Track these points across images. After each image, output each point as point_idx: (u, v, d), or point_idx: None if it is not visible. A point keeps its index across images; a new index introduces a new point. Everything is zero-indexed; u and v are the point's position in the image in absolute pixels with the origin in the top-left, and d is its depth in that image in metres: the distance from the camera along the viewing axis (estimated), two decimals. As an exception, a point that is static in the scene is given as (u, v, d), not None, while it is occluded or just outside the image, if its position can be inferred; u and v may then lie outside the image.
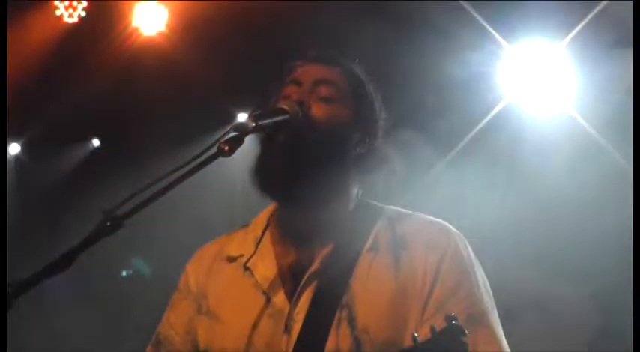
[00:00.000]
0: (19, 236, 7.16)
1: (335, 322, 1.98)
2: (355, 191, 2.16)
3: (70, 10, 6.61)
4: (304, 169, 2.04)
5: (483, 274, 2.09)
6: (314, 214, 2.09)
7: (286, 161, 2.03)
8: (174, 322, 2.25)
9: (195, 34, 6.42)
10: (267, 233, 2.18)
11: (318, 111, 2.08)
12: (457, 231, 2.11)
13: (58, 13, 6.59)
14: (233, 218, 6.86)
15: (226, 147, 1.87)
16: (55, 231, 6.80)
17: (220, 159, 1.89)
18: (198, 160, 1.88)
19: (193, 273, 2.25)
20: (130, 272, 7.94)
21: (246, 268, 2.13)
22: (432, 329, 1.67)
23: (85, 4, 6.56)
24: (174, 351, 2.22)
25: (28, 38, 6.58)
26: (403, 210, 2.17)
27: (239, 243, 2.20)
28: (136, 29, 6.60)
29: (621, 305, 5.39)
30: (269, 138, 2.07)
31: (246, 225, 2.25)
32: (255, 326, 2.05)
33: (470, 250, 2.10)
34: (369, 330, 1.96)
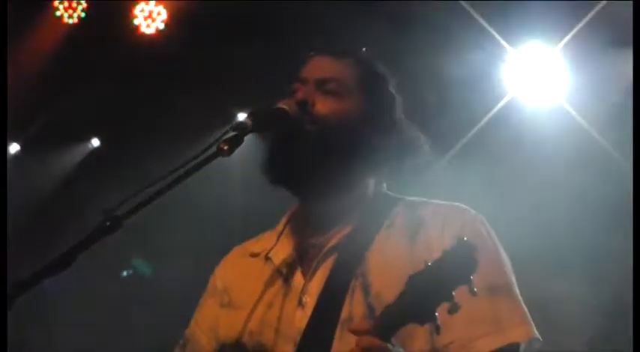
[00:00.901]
0: (19, 236, 7.16)
1: (350, 291, 1.99)
2: (373, 182, 2.16)
3: (70, 11, 6.62)
4: (309, 163, 2.04)
5: (504, 254, 2.07)
6: (329, 204, 2.10)
7: (290, 157, 2.04)
8: (199, 320, 2.26)
9: (195, 34, 6.43)
10: (288, 227, 2.21)
11: (322, 106, 2.08)
12: (477, 213, 2.11)
13: (57, 14, 6.59)
14: (232, 218, 6.86)
15: (226, 147, 1.87)
16: (55, 231, 6.80)
17: (220, 158, 1.89)
18: (198, 160, 1.88)
19: (220, 273, 2.28)
20: (131, 272, 7.94)
21: (267, 258, 2.16)
22: (443, 250, 1.67)
23: (84, 5, 6.56)
24: (199, 349, 2.23)
25: (29, 39, 6.58)
26: (422, 199, 2.18)
27: (263, 241, 2.24)
28: (136, 29, 6.60)
29: (621, 306, 5.40)
30: (271, 138, 2.08)
31: (273, 227, 2.27)
32: (270, 305, 2.07)
33: (490, 229, 2.08)
34: (382, 295, 1.95)
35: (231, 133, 1.91)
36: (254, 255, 2.22)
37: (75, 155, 7.76)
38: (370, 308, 1.95)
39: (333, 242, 2.07)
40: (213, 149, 1.88)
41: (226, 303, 2.19)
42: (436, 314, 1.68)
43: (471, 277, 1.66)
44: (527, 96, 6.21)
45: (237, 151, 1.90)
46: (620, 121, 5.52)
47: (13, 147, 7.56)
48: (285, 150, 2.05)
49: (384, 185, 2.19)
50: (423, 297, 1.68)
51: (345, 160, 2.06)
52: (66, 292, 6.54)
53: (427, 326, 1.74)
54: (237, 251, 2.31)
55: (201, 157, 1.88)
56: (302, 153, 2.03)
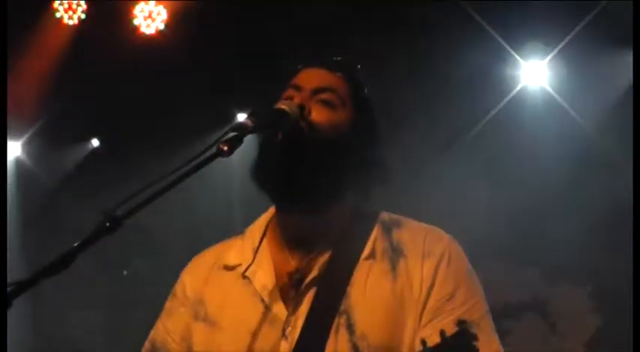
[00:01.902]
0: (19, 236, 7.16)
1: (333, 328, 1.99)
2: (351, 198, 2.16)
3: (70, 12, 6.62)
4: (303, 169, 2.04)
5: (477, 279, 2.11)
6: (311, 219, 2.10)
7: (285, 160, 2.04)
8: (170, 329, 2.23)
9: (195, 34, 6.43)
10: (265, 241, 2.18)
11: (318, 115, 2.08)
12: (451, 237, 2.13)
13: (57, 15, 6.59)
14: (232, 218, 6.86)
15: (225, 148, 1.87)
16: (55, 231, 6.80)
17: (219, 159, 1.89)
18: (198, 160, 1.87)
19: (190, 281, 2.24)
20: (131, 271, 7.93)
21: (244, 277, 2.13)
22: (442, 333, 1.67)
23: (84, 6, 6.56)
24: None
25: (29, 40, 6.58)
26: (396, 216, 2.19)
27: (237, 252, 2.20)
28: (136, 29, 6.60)
29: (621, 305, 5.39)
30: (268, 138, 2.07)
31: (242, 233, 2.24)
32: (254, 333, 2.05)
33: (464, 256, 2.11)
34: (367, 336, 1.97)
35: (231, 134, 1.91)
36: (228, 268, 2.19)
37: (75, 155, 7.75)
38: (355, 347, 1.97)
39: (313, 273, 2.06)
40: (213, 149, 1.88)
41: (202, 317, 2.17)
42: None
43: None
44: (527, 96, 6.21)
45: (237, 151, 1.90)
46: (620, 121, 5.52)
47: (13, 147, 7.56)
48: (277, 154, 2.05)
49: (359, 198, 2.19)
50: None
51: (332, 172, 2.07)
52: (66, 292, 6.54)
53: None
54: (205, 257, 2.27)
55: (201, 157, 1.87)
56: (294, 157, 2.03)
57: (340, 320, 2.00)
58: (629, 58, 5.40)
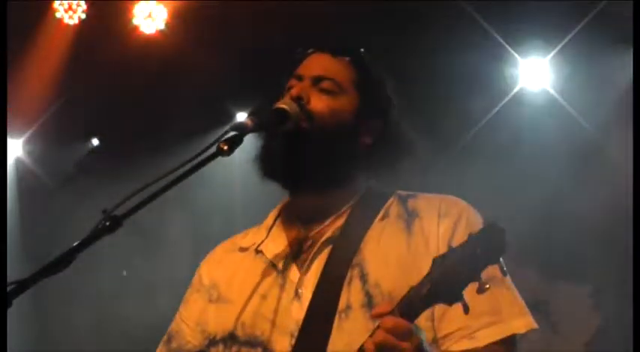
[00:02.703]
0: (19, 236, 7.16)
1: (347, 280, 2.01)
2: (364, 179, 2.18)
3: (70, 13, 6.62)
4: (306, 158, 2.07)
5: None
6: (323, 199, 2.13)
7: (288, 151, 2.06)
8: (185, 315, 2.27)
9: (195, 34, 6.42)
10: (279, 220, 2.22)
11: (317, 103, 2.09)
12: (467, 204, 2.16)
13: (57, 15, 6.59)
14: (232, 218, 6.86)
15: (225, 147, 1.88)
16: (55, 230, 6.80)
17: (220, 158, 1.90)
18: (198, 160, 1.88)
19: (206, 268, 2.28)
20: (131, 271, 7.92)
21: (257, 252, 2.17)
22: (469, 233, 1.68)
23: (84, 7, 6.56)
24: (185, 344, 2.24)
25: (29, 40, 6.58)
26: (412, 192, 2.22)
27: (252, 235, 2.24)
28: (136, 28, 6.60)
29: (621, 305, 5.39)
30: (269, 136, 2.09)
31: (260, 223, 2.28)
32: (263, 296, 2.08)
33: (481, 219, 2.12)
34: (381, 284, 1.99)
35: (231, 133, 1.92)
36: (243, 250, 2.22)
37: (75, 154, 7.75)
38: (369, 296, 1.98)
39: (327, 234, 2.09)
40: (213, 149, 1.89)
41: (215, 298, 2.19)
42: (463, 293, 1.69)
43: (500, 259, 1.68)
44: (527, 96, 6.21)
45: (238, 151, 1.90)
46: (620, 121, 5.52)
47: (14, 147, 7.56)
48: (280, 145, 2.07)
49: (374, 181, 2.21)
50: (450, 278, 1.69)
51: (337, 157, 2.10)
52: (65, 292, 6.54)
53: (430, 315, 1.82)
54: (223, 246, 2.31)
55: (201, 157, 1.88)
56: (296, 148, 2.06)
57: (353, 273, 2.01)
58: (629, 58, 5.39)
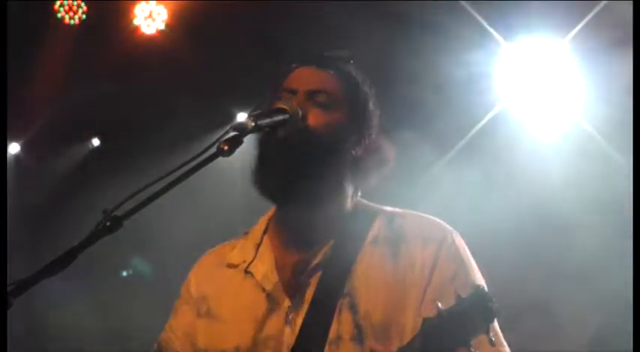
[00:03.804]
0: (19, 236, 7.16)
1: (337, 310, 2.03)
2: (351, 192, 2.19)
3: (71, 13, 6.62)
4: (302, 172, 2.07)
5: (476, 268, 2.15)
6: (311, 215, 2.13)
7: (284, 163, 2.06)
8: (174, 326, 2.27)
9: (195, 34, 6.43)
10: (267, 237, 2.21)
11: (315, 119, 2.10)
12: (451, 228, 2.17)
13: (58, 16, 6.60)
14: (233, 218, 6.86)
15: (226, 147, 1.88)
16: (55, 230, 6.80)
17: (220, 158, 1.90)
18: (198, 160, 1.88)
19: (194, 280, 2.29)
20: (130, 272, 7.94)
21: (247, 272, 2.17)
22: (457, 296, 1.71)
23: (84, 8, 6.57)
24: None
25: (30, 40, 6.58)
26: (398, 209, 2.22)
27: (239, 251, 2.24)
28: (136, 28, 6.60)
29: (621, 306, 5.39)
30: (268, 138, 2.08)
31: (246, 234, 2.27)
32: (257, 321, 2.09)
33: (464, 244, 2.15)
34: (370, 316, 2.02)
35: (232, 133, 1.92)
36: (231, 266, 2.22)
37: (75, 155, 7.76)
38: (359, 328, 2.01)
39: (317, 259, 2.10)
40: (214, 149, 1.89)
41: (204, 313, 2.21)
42: None
43: (490, 325, 1.73)
44: (526, 97, 6.21)
45: (238, 150, 1.90)
46: (620, 121, 5.52)
47: (13, 147, 7.56)
48: (274, 157, 2.07)
49: (359, 193, 2.22)
50: (440, 342, 1.73)
51: (329, 170, 2.11)
52: (65, 292, 6.54)
53: None
54: (211, 258, 2.31)
55: (202, 157, 1.89)
56: (290, 161, 2.06)
57: (344, 302, 2.04)
58: (629, 58, 5.39)
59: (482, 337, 1.73)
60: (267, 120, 2.00)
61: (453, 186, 5.99)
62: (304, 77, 2.16)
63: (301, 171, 2.06)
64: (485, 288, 1.74)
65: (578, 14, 5.63)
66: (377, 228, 2.14)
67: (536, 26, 5.80)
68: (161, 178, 1.85)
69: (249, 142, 2.03)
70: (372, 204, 2.22)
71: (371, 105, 2.22)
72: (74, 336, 7.20)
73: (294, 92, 2.14)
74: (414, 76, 5.97)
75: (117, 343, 7.00)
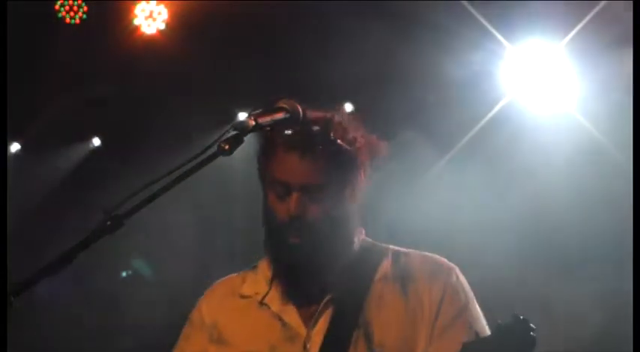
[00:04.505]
0: (19, 236, 7.16)
1: (352, 340, 2.13)
2: (357, 233, 2.27)
3: (72, 13, 6.63)
4: (312, 265, 2.17)
5: (475, 300, 2.26)
6: (323, 265, 2.19)
7: (301, 264, 2.17)
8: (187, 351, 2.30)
9: (196, 34, 6.43)
10: (279, 276, 2.25)
11: (313, 214, 2.14)
12: (452, 264, 2.28)
13: (59, 15, 6.60)
14: (233, 218, 6.86)
15: (226, 146, 1.88)
16: (56, 230, 6.80)
17: (221, 158, 1.89)
18: (199, 159, 1.88)
19: (206, 307, 2.32)
20: (130, 272, 7.93)
21: (262, 304, 2.23)
22: (497, 324, 1.77)
23: (85, 8, 6.57)
24: None
25: (31, 40, 6.58)
26: (403, 248, 2.32)
27: (250, 283, 2.29)
28: (137, 28, 6.60)
29: (622, 305, 5.39)
30: (280, 246, 2.16)
31: (254, 267, 2.32)
32: (272, 347, 2.16)
33: (464, 280, 2.27)
34: (385, 345, 2.13)
35: (232, 133, 1.92)
36: (244, 297, 2.27)
37: (75, 155, 7.76)
38: None
39: (330, 294, 2.18)
40: (214, 148, 1.89)
41: (216, 339, 2.25)
42: None
43: None
44: (527, 96, 6.21)
45: (239, 150, 1.90)
46: (620, 121, 5.52)
47: (14, 147, 7.56)
48: (290, 262, 2.18)
49: (364, 232, 2.30)
50: None
51: (338, 239, 2.20)
52: (65, 292, 6.54)
53: None
54: (221, 288, 2.35)
55: (202, 156, 1.89)
56: (301, 255, 2.15)
57: (359, 333, 2.14)
58: (629, 58, 5.39)
59: None
60: (267, 119, 2.00)
61: (454, 186, 5.99)
62: (295, 170, 2.16)
63: (315, 258, 2.15)
64: (525, 319, 1.76)
65: (579, 14, 5.63)
66: (385, 267, 2.24)
67: (537, 26, 5.81)
68: (162, 178, 1.85)
69: (250, 142, 2.03)
70: (376, 243, 2.30)
71: (352, 150, 2.20)
72: (74, 336, 7.20)
73: (287, 187, 2.15)
74: (415, 76, 5.97)
75: (116, 343, 7.00)
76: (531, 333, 1.74)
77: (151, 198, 1.83)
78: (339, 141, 2.18)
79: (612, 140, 5.84)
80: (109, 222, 1.79)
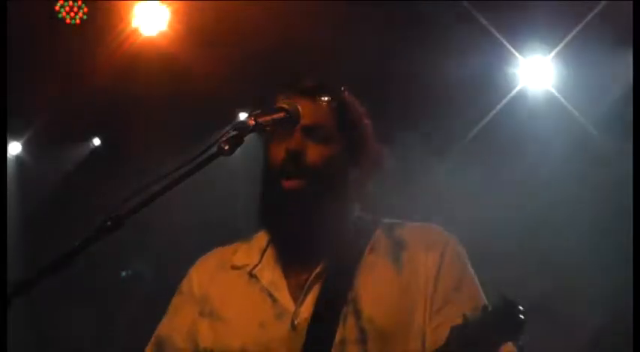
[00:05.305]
0: (19, 236, 7.16)
1: (341, 316, 2.07)
2: (352, 208, 2.23)
3: (72, 13, 6.62)
4: (304, 213, 2.12)
5: (474, 274, 2.20)
6: (314, 233, 2.16)
7: (291, 212, 2.12)
8: (177, 324, 2.28)
9: (197, 34, 6.42)
10: (272, 244, 2.24)
11: (313, 155, 2.12)
12: (451, 234, 2.22)
13: (59, 16, 6.59)
14: (233, 218, 6.86)
15: (226, 147, 1.88)
16: (55, 230, 6.80)
17: (221, 158, 1.90)
18: (199, 160, 1.88)
19: (197, 278, 2.30)
20: (130, 272, 7.93)
21: (251, 275, 2.20)
22: (483, 307, 1.75)
23: (85, 8, 6.57)
24: (177, 351, 2.25)
25: (30, 40, 6.58)
26: (397, 220, 2.27)
27: (243, 254, 2.27)
28: (137, 29, 6.60)
29: (622, 305, 5.39)
30: (272, 188, 2.12)
31: (248, 239, 2.30)
32: (262, 325, 2.12)
33: (464, 250, 2.20)
34: (374, 320, 2.06)
35: (232, 133, 1.92)
36: (235, 268, 2.25)
37: (75, 155, 7.76)
38: (362, 331, 2.06)
39: (320, 267, 2.14)
40: (215, 148, 1.89)
41: (207, 313, 2.22)
42: None
43: (520, 338, 1.77)
44: (527, 96, 6.21)
45: (240, 150, 1.90)
46: (620, 121, 5.52)
47: (14, 147, 7.56)
48: (281, 211, 2.13)
49: (357, 207, 2.25)
50: (469, 348, 1.76)
51: (334, 199, 2.14)
52: (65, 292, 6.54)
53: None
54: (212, 259, 2.33)
55: (203, 156, 1.89)
56: (295, 206, 2.11)
57: (348, 309, 2.08)
58: (629, 58, 5.40)
59: (511, 346, 1.79)
60: (267, 119, 2.00)
61: (454, 187, 5.99)
62: (301, 111, 2.15)
63: (306, 213, 2.11)
64: (514, 301, 1.75)
65: (579, 14, 5.63)
66: (376, 238, 2.19)
67: (537, 26, 5.81)
68: (162, 178, 1.85)
69: (250, 142, 2.03)
70: (370, 215, 2.25)
71: (364, 126, 2.24)
72: (74, 336, 7.20)
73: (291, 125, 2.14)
74: (415, 76, 5.97)
75: (116, 343, 7.00)
76: (520, 316, 1.73)
77: (152, 198, 1.83)
78: (350, 105, 2.21)
79: (612, 140, 5.84)
80: (109, 222, 1.78)
